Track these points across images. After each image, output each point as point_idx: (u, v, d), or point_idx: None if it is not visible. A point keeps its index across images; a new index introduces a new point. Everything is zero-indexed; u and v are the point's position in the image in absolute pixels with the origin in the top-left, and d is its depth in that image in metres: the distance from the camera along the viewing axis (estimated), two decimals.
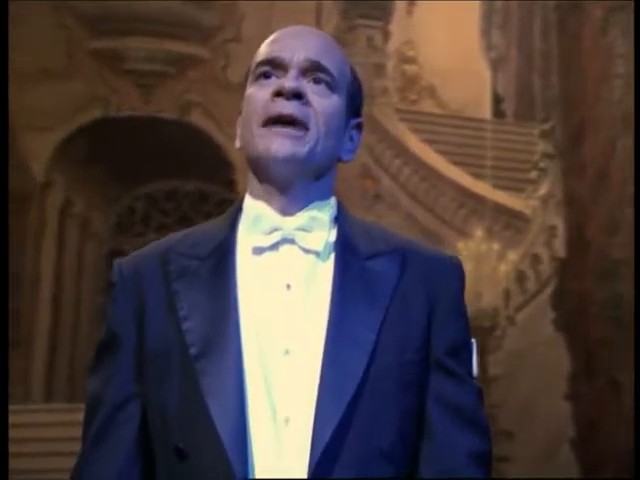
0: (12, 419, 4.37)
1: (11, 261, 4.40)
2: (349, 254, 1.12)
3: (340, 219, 1.14)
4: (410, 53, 4.81)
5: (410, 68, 4.79)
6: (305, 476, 1.05)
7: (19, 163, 4.32)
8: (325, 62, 1.11)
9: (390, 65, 4.79)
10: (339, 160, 1.14)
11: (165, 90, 4.38)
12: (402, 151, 4.61)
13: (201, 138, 4.33)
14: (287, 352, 1.08)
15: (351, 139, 1.16)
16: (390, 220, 4.41)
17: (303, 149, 1.08)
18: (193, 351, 1.06)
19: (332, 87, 1.12)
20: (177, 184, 4.32)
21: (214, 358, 1.06)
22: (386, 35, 4.76)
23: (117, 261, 1.14)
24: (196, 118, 4.36)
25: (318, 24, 4.61)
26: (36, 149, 4.27)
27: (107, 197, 4.38)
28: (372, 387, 1.08)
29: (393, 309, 1.11)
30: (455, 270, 1.16)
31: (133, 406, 1.10)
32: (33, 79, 4.30)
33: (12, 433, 4.16)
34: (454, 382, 1.12)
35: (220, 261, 1.10)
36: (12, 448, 4.09)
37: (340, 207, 1.15)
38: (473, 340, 1.17)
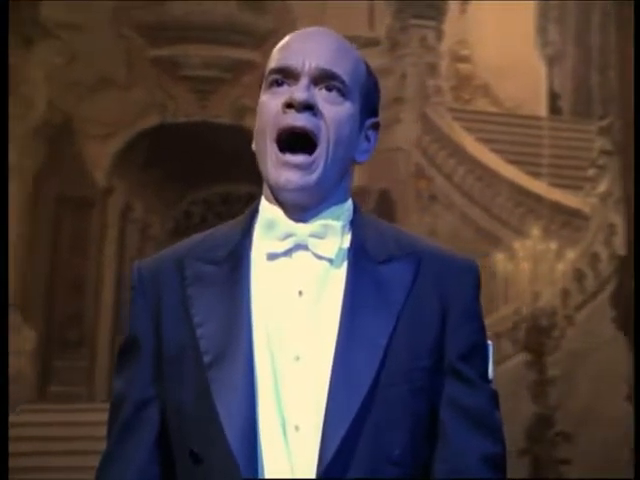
0: (77, 418, 4.50)
1: (75, 264, 4.51)
2: (362, 259, 1.11)
3: (355, 222, 1.13)
4: (464, 52, 4.75)
5: (464, 67, 4.73)
6: (314, 476, 1.04)
7: (82, 170, 4.42)
8: (337, 69, 1.10)
9: (443, 64, 4.74)
10: (354, 161, 1.12)
11: (221, 95, 4.42)
12: (456, 151, 4.56)
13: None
14: (297, 358, 1.08)
15: (367, 139, 1.14)
16: (446, 220, 4.37)
17: (312, 177, 1.08)
18: (206, 359, 1.07)
19: (344, 93, 1.10)
20: (232, 188, 4.36)
21: (226, 366, 1.06)
22: (439, 34, 4.72)
23: (135, 264, 1.14)
24: (251, 122, 4.38)
25: (371, 25, 4.60)
26: (97, 156, 4.36)
27: (165, 201, 4.44)
28: (382, 393, 1.07)
29: (405, 315, 1.10)
30: (469, 273, 1.14)
31: (153, 407, 1.10)
32: (94, 88, 4.39)
33: (77, 431, 4.28)
34: (467, 387, 1.11)
35: (235, 266, 1.10)
36: (78, 446, 4.21)
37: (356, 210, 1.14)
38: (490, 342, 1.16)
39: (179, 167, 4.35)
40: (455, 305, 1.12)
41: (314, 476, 1.04)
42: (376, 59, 4.47)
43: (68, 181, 4.38)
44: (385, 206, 4.34)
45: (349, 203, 1.13)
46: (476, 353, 1.13)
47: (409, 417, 1.08)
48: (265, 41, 4.44)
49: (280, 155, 1.07)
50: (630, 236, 4.19)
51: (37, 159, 4.37)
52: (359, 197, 4.35)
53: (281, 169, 1.07)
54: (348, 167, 1.13)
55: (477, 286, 1.14)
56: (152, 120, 4.39)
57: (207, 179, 4.44)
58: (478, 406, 1.12)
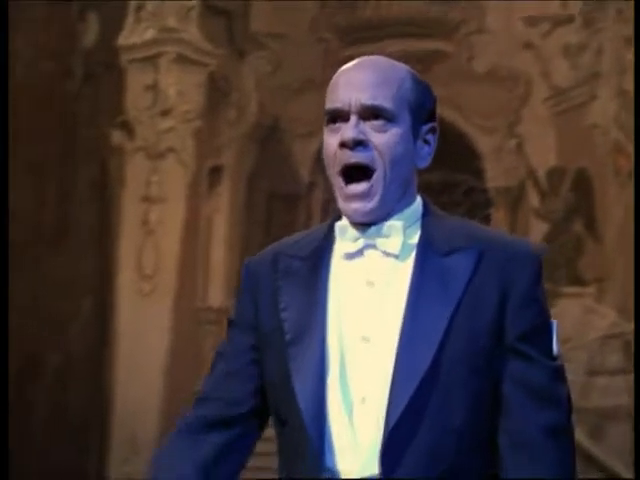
0: None
1: None
2: (428, 252, 1.24)
3: (425, 219, 1.27)
4: None
5: None
6: (378, 447, 1.16)
7: (290, 168, 4.67)
8: (379, 101, 1.24)
9: None
10: (416, 168, 1.28)
11: None
12: None
13: (447, 129, 4.33)
14: (365, 340, 1.21)
15: (427, 143, 1.28)
16: None
17: (372, 203, 1.25)
18: (287, 338, 1.23)
19: (390, 119, 1.25)
20: (424, 176, 4.38)
21: (302, 344, 1.22)
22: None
23: (246, 260, 1.35)
24: (442, 111, 4.37)
25: (564, 3, 4.38)
26: (302, 153, 4.58)
27: None
28: (443, 371, 1.17)
29: (465, 302, 1.20)
30: (529, 258, 1.23)
31: (252, 363, 1.28)
32: (298, 91, 4.62)
33: None
34: (527, 364, 1.19)
35: (316, 263, 1.27)
36: None
37: (427, 208, 1.28)
38: (553, 321, 1.22)
39: None
40: (514, 291, 1.21)
41: (379, 440, 1.17)
42: (571, 36, 4.27)
43: (277, 178, 4.64)
44: (582, 184, 4.14)
45: (416, 205, 1.29)
46: (537, 333, 1.21)
47: (469, 393, 1.18)
48: (455, 31, 4.42)
49: (344, 188, 1.25)
50: None
51: (250, 160, 4.68)
52: (555, 176, 4.18)
53: (347, 200, 1.25)
54: (410, 176, 1.28)
55: (537, 272, 1.23)
56: None
57: None
58: (539, 380, 1.20)
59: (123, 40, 4.88)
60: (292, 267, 1.27)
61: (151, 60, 4.82)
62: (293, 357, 1.21)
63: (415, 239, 1.26)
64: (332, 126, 1.27)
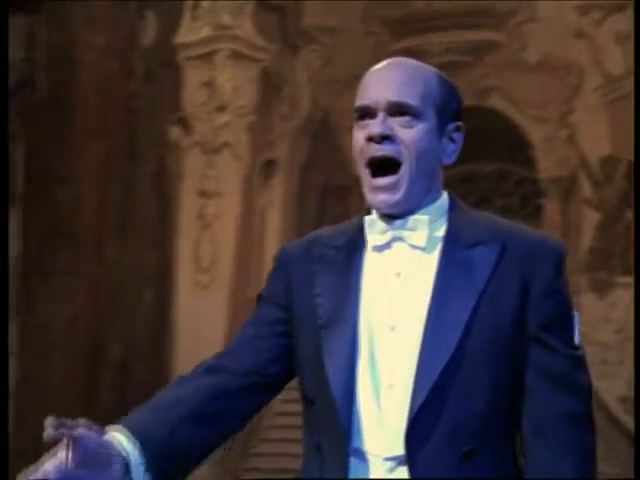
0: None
1: None
2: (453, 245, 1.31)
3: (451, 213, 1.34)
4: None
5: None
6: (403, 428, 1.21)
7: (341, 160, 4.69)
8: (405, 98, 1.32)
9: None
10: (442, 164, 1.36)
11: (463, 78, 4.41)
12: None
13: (499, 120, 4.30)
14: (392, 328, 1.27)
15: (452, 141, 1.37)
16: None
17: (398, 194, 1.32)
18: (320, 322, 1.30)
19: (416, 115, 1.32)
20: (475, 167, 4.34)
21: (335, 329, 1.28)
22: None
23: (281, 246, 1.43)
24: (494, 101, 4.34)
25: None
26: (350, 147, 4.59)
27: None
28: (466, 358, 1.23)
29: (488, 292, 1.26)
30: (551, 251, 1.29)
31: (278, 335, 1.35)
32: (348, 84, 4.63)
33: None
34: (549, 352, 1.24)
35: (349, 253, 1.34)
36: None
37: (453, 203, 1.36)
38: (575, 313, 1.27)
39: None
40: (536, 282, 1.27)
41: (404, 421, 1.22)
42: (623, 24, 4.17)
43: (329, 171, 4.67)
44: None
45: (442, 200, 1.36)
46: (558, 323, 1.26)
47: (491, 379, 1.24)
48: (506, 21, 4.36)
49: (371, 180, 1.33)
50: None
51: (302, 153, 4.72)
52: (608, 165, 4.10)
53: (374, 192, 1.33)
54: (435, 172, 1.36)
55: (559, 264, 1.28)
56: None
57: None
58: (560, 369, 1.24)
59: (180, 38, 4.97)
60: (326, 255, 1.34)
61: (207, 57, 4.90)
62: (326, 340, 1.27)
63: (441, 232, 1.33)
64: (361, 122, 1.35)
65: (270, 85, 4.76)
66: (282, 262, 1.40)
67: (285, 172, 4.69)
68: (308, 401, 1.30)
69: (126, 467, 1.26)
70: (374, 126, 1.32)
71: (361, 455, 1.25)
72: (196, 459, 1.32)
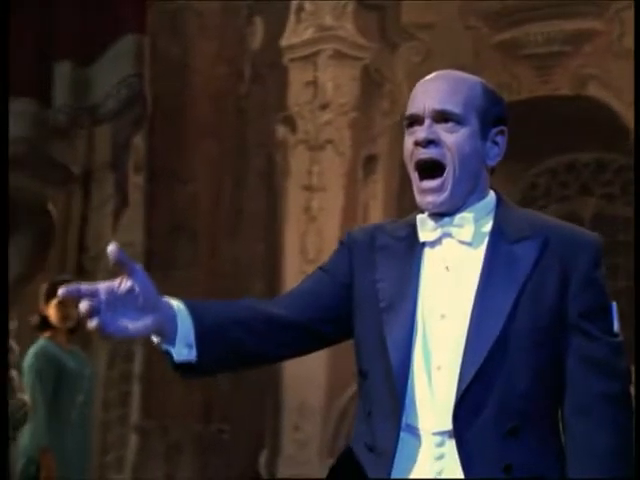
0: None
1: None
2: (499, 240, 1.37)
3: (497, 210, 1.40)
4: None
5: None
6: (452, 407, 1.30)
7: None
8: (448, 106, 1.38)
9: None
10: (487, 166, 1.41)
11: (562, 68, 4.35)
12: None
13: (598, 109, 4.22)
14: (443, 316, 1.36)
15: (496, 144, 1.41)
16: None
17: (444, 196, 1.38)
18: (382, 305, 1.38)
19: (460, 121, 1.38)
20: (575, 156, 4.27)
21: (395, 313, 1.37)
22: None
23: (348, 231, 1.50)
24: (593, 90, 4.25)
25: None
26: None
27: (510, 176, 4.51)
28: (509, 344, 1.31)
29: (530, 285, 1.33)
30: (589, 246, 1.35)
31: (335, 297, 1.43)
32: None
33: None
34: (589, 340, 1.31)
35: (409, 245, 1.41)
36: None
37: (500, 201, 1.42)
38: (613, 303, 1.33)
39: (523, 142, 4.39)
40: (575, 275, 1.34)
41: (452, 402, 1.31)
42: None
43: None
44: None
45: (488, 198, 1.42)
46: (597, 312, 1.34)
47: (532, 364, 1.32)
48: (606, 9, 4.26)
49: (419, 183, 1.39)
50: None
51: (402, 148, 4.75)
52: None
53: (422, 194, 1.39)
54: (480, 173, 1.42)
55: (597, 256, 1.36)
56: None
57: (550, 150, 4.41)
58: (600, 355, 1.32)
59: (285, 41, 5.11)
60: (389, 244, 1.42)
61: (310, 58, 5.01)
62: (386, 322, 1.35)
63: (488, 228, 1.39)
64: (410, 129, 1.41)
65: (370, 82, 4.83)
66: (348, 244, 1.47)
67: (386, 167, 4.75)
68: (363, 375, 1.39)
69: (173, 330, 1.27)
70: (420, 132, 1.38)
71: (411, 429, 1.32)
72: (234, 359, 1.37)
